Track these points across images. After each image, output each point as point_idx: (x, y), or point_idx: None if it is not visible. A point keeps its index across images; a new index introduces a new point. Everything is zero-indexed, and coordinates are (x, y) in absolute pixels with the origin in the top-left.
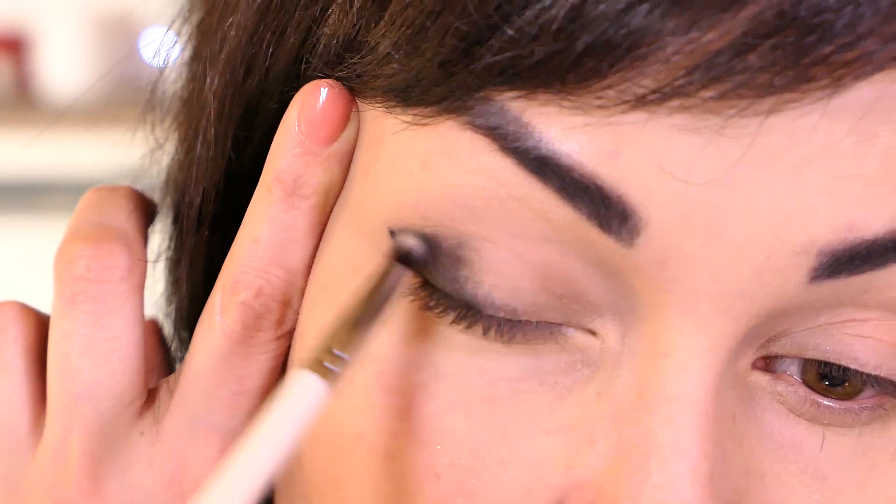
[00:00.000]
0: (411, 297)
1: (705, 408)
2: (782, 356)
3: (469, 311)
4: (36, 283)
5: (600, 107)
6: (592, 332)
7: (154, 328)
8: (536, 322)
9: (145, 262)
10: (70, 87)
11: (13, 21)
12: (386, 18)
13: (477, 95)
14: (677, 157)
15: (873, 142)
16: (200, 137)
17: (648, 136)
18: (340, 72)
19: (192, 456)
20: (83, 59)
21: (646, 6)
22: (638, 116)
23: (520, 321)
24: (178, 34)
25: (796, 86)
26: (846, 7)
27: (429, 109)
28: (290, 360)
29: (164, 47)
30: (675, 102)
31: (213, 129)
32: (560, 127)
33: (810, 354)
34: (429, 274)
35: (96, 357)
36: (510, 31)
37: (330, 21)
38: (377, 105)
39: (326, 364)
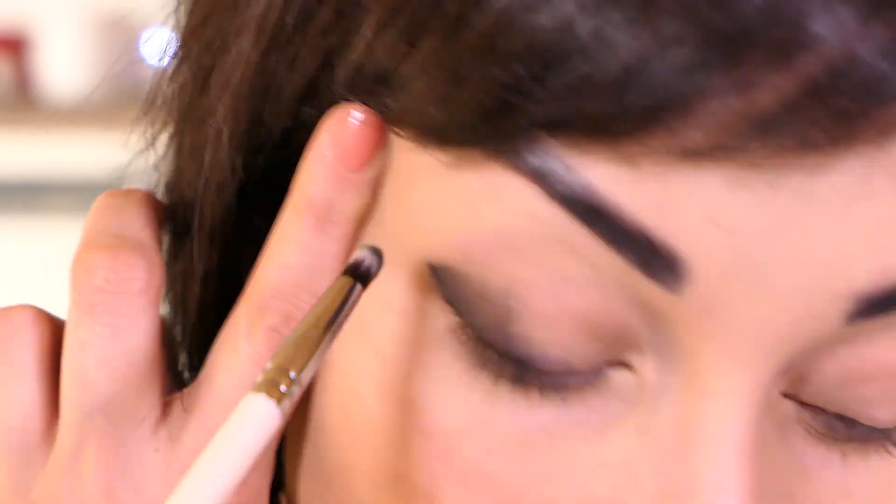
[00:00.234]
0: (456, 334)
1: (746, 444)
2: (805, 403)
3: (519, 369)
4: (36, 283)
5: (649, 158)
6: (629, 367)
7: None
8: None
9: (163, 273)
10: (70, 87)
11: (13, 21)
12: (421, 58)
13: (519, 147)
14: (725, 210)
15: None
16: (208, 155)
17: (697, 189)
18: (368, 102)
19: None
20: (83, 59)
21: (700, 66)
22: (686, 169)
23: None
24: (174, 38)
25: (847, 143)
26: None
27: (468, 151)
28: (315, 387)
29: (165, 47)
30: (724, 156)
31: (224, 149)
32: (608, 175)
33: (831, 409)
34: (470, 316)
35: (113, 370)
36: (559, 84)
37: (354, 50)
38: (408, 139)
39: (280, 386)
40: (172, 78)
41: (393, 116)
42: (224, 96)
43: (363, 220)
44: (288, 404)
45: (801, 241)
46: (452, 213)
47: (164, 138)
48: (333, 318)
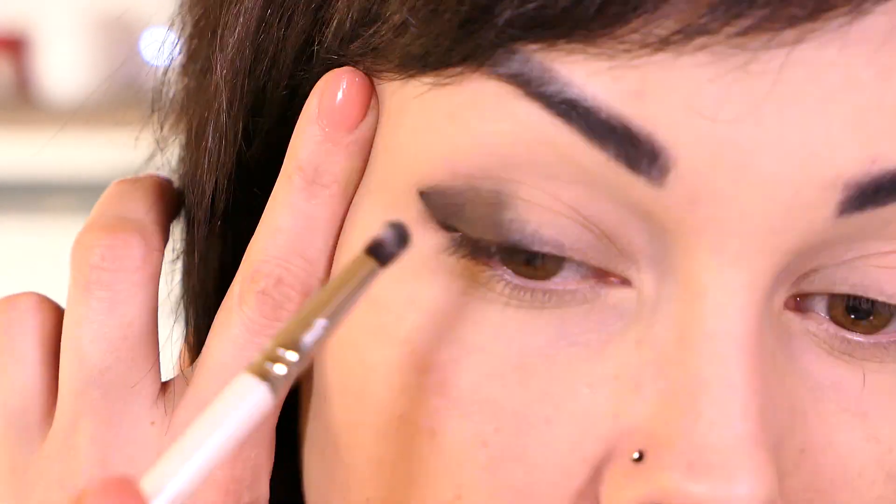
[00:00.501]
0: (449, 252)
1: (749, 343)
2: (812, 293)
3: (506, 252)
4: (36, 283)
5: (625, 51)
6: (628, 282)
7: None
8: (574, 278)
9: (161, 253)
10: (70, 87)
11: (13, 21)
12: None
13: (498, 52)
14: (704, 96)
15: (891, 74)
16: (211, 128)
17: (675, 76)
18: (355, 48)
19: None
20: (83, 59)
21: None
22: (663, 57)
23: (563, 260)
24: (179, 30)
25: (817, 14)
26: None
27: (450, 69)
28: None
29: (166, 46)
30: (700, 41)
31: (223, 118)
32: (584, 71)
33: (838, 289)
34: (466, 226)
35: (108, 344)
36: None
37: None
38: (395, 77)
39: (271, 366)
40: (182, 70)
41: (378, 57)
42: (223, 60)
43: (357, 184)
44: (282, 386)
45: (783, 127)
46: (439, 131)
47: (173, 137)
48: (343, 301)
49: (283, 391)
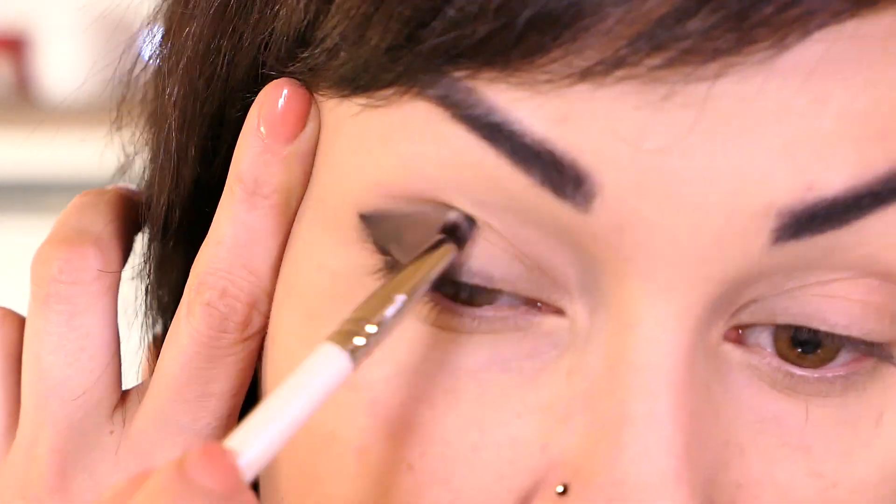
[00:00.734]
0: (381, 275)
1: (676, 377)
2: (753, 324)
3: (449, 308)
4: None
5: (546, 81)
6: (561, 312)
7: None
8: (508, 305)
9: (120, 265)
10: (70, 87)
11: (13, 21)
12: (333, 10)
13: (424, 77)
14: (628, 123)
15: (826, 101)
16: (163, 149)
17: (598, 105)
18: (293, 67)
19: (158, 456)
20: (83, 59)
21: None
22: (585, 87)
23: (494, 292)
24: (153, 40)
25: (739, 48)
26: None
27: (381, 92)
28: (262, 363)
29: (153, 46)
30: (621, 73)
31: (175, 141)
32: (508, 97)
33: (780, 320)
34: (399, 252)
35: (66, 355)
36: (451, 12)
37: (280, 17)
38: (332, 95)
39: (355, 338)
40: (148, 84)
41: (314, 76)
42: (173, 82)
43: (300, 196)
44: (362, 354)
45: (711, 156)
46: (371, 152)
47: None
48: (423, 278)
49: (362, 361)
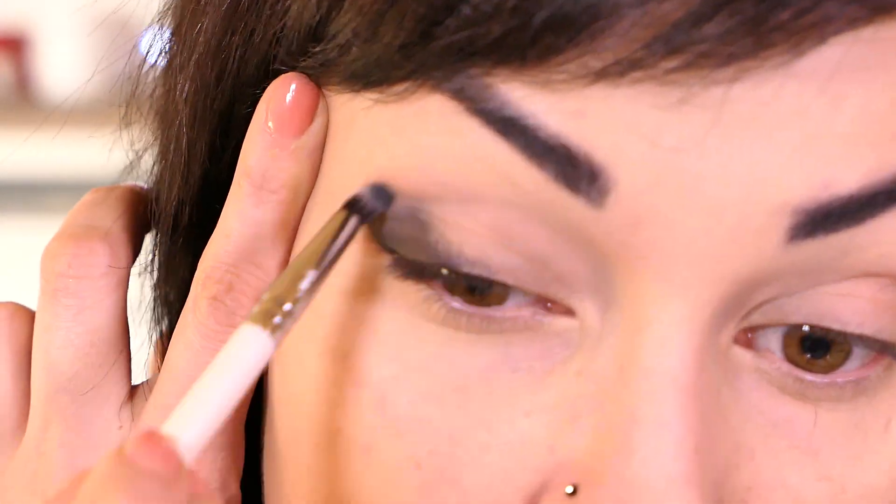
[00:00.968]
0: (389, 272)
1: (687, 380)
2: (764, 325)
3: (448, 278)
4: (36, 283)
5: (562, 81)
6: (571, 312)
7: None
8: (517, 305)
9: (129, 260)
10: (70, 87)
11: (13, 21)
12: (346, 6)
13: (437, 74)
14: (644, 123)
15: (843, 102)
16: (173, 146)
17: (614, 103)
18: (304, 62)
19: None
20: (83, 59)
21: None
22: (600, 87)
23: (501, 289)
24: (162, 37)
25: (755, 53)
26: None
27: (393, 87)
28: None
29: (160, 45)
30: (637, 74)
31: (185, 137)
32: (523, 92)
33: (792, 319)
34: (402, 247)
35: (75, 350)
36: (467, 10)
37: (292, 13)
38: (343, 91)
39: (274, 318)
40: (158, 81)
41: (326, 72)
42: (183, 79)
43: (307, 191)
44: (280, 334)
45: (728, 155)
46: (382, 143)
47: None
48: (326, 250)
49: (282, 339)
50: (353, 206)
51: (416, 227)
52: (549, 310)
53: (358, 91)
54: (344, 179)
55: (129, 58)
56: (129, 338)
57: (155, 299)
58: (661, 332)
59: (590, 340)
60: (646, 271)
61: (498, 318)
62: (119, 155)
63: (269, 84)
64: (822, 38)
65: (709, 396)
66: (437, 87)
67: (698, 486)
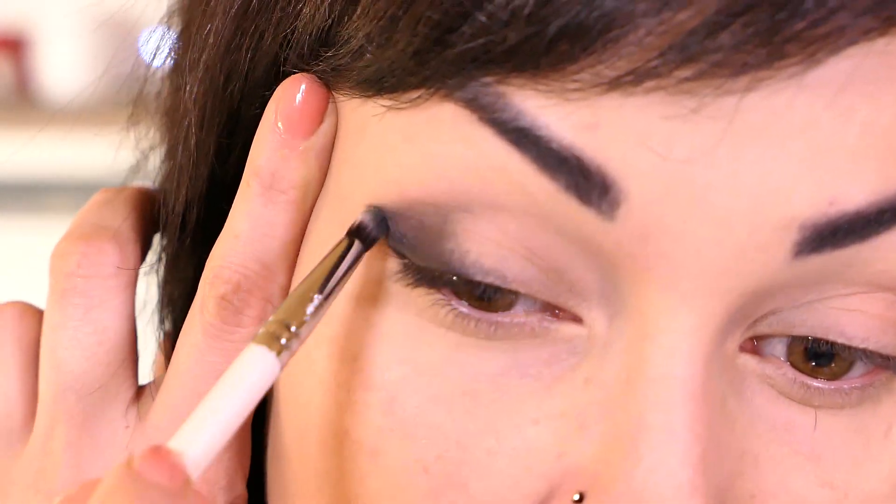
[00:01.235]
0: (398, 278)
1: (694, 389)
2: (769, 335)
3: (457, 284)
4: (36, 283)
5: (575, 89)
6: (579, 320)
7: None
8: (525, 311)
9: (138, 260)
10: (70, 87)
11: (13, 21)
12: (359, 11)
13: (451, 82)
14: (656, 132)
15: (852, 115)
16: (181, 146)
17: (627, 113)
18: (316, 66)
19: None
20: (83, 59)
21: None
22: (614, 97)
23: (511, 296)
24: (169, 38)
25: (770, 63)
26: None
27: (407, 94)
28: None
29: (163, 47)
30: (651, 83)
31: (194, 138)
32: (537, 102)
33: (797, 331)
34: (412, 255)
35: (83, 349)
36: (482, 18)
37: (303, 16)
38: (355, 95)
39: (281, 339)
40: (165, 81)
41: (338, 76)
42: (192, 80)
43: (316, 192)
44: (286, 356)
45: (738, 167)
46: (394, 150)
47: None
48: (329, 276)
49: (287, 360)
50: (357, 233)
51: (430, 235)
52: (556, 316)
53: (370, 97)
54: (355, 185)
55: (133, 58)
56: (136, 338)
57: (161, 299)
58: (668, 341)
59: (597, 348)
60: (654, 282)
61: (506, 323)
62: (123, 155)
63: (278, 85)
64: (835, 49)
65: (715, 404)
66: (451, 95)
67: (704, 494)
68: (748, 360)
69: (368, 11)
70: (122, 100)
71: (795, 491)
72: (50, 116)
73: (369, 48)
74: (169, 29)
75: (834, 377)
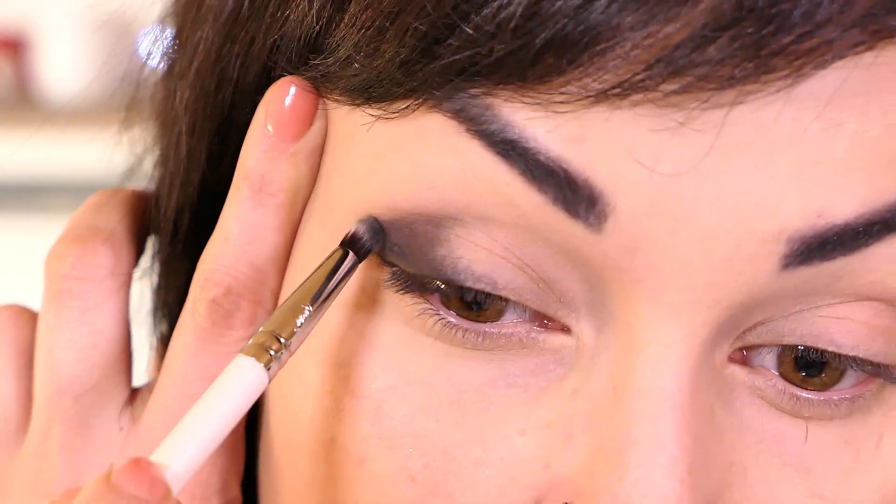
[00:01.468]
0: (387, 285)
1: (681, 400)
2: (758, 346)
3: (446, 292)
4: (36, 283)
5: (562, 101)
6: (567, 330)
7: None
8: (513, 322)
9: (132, 262)
10: (70, 87)
11: (13, 21)
12: (346, 20)
13: (438, 93)
14: (643, 148)
15: (840, 128)
16: (173, 152)
17: (614, 127)
18: (306, 72)
19: None
20: (83, 59)
21: (603, 1)
22: (600, 109)
23: (500, 304)
24: (166, 39)
25: (757, 77)
26: None
27: (395, 104)
28: None
29: (161, 48)
30: (638, 97)
31: (185, 144)
32: (524, 115)
33: (787, 340)
34: (402, 262)
35: (78, 351)
36: (468, 30)
37: (291, 21)
38: (344, 103)
39: (270, 350)
40: (157, 85)
41: (327, 80)
42: (183, 86)
43: (306, 195)
44: (275, 367)
45: (725, 180)
46: (383, 160)
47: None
48: (321, 287)
49: (276, 372)
50: (350, 243)
51: (421, 242)
52: (545, 327)
53: (359, 105)
54: (344, 193)
55: (130, 60)
56: (130, 340)
57: (155, 302)
58: (655, 353)
59: (585, 359)
60: (641, 294)
61: (493, 334)
62: (122, 155)
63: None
64: (823, 63)
65: (703, 416)
66: (438, 105)
67: None
68: (737, 371)
69: (356, 21)
70: (122, 100)
71: (784, 502)
72: (49, 116)
73: (357, 57)
74: (163, 31)
75: (824, 387)
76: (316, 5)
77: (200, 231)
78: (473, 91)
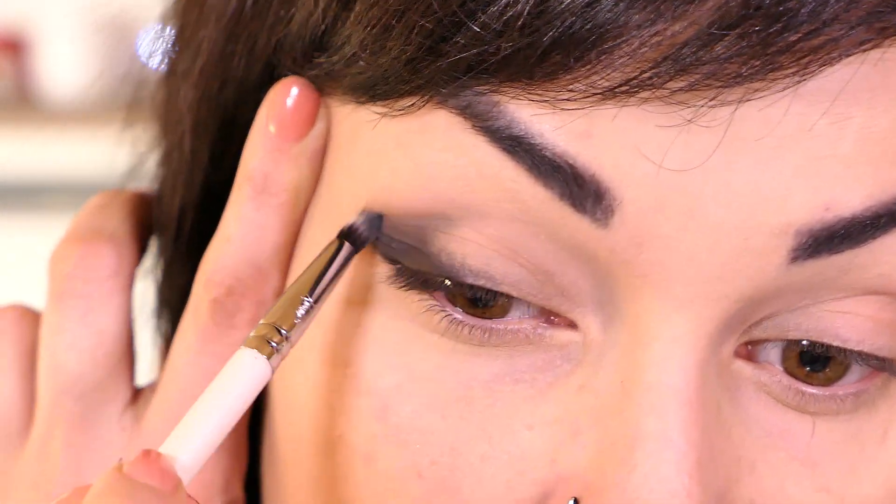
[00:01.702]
0: (392, 283)
1: (689, 395)
2: (763, 340)
3: (450, 289)
4: (36, 283)
5: (569, 99)
6: (574, 326)
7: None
8: (519, 318)
9: (135, 263)
10: (70, 87)
11: (13, 21)
12: (352, 18)
13: (445, 90)
14: (650, 144)
15: (847, 123)
16: (176, 152)
17: (620, 123)
18: (309, 71)
19: None
20: (83, 59)
21: (614, 1)
22: (607, 107)
23: (504, 299)
24: (167, 40)
25: (764, 75)
26: None
27: (400, 101)
28: None
29: (161, 48)
30: (644, 94)
31: (189, 144)
32: (531, 111)
33: (792, 335)
34: (404, 258)
35: (81, 352)
36: (475, 28)
37: (296, 20)
38: (349, 101)
39: (271, 342)
40: (160, 85)
41: (331, 81)
42: (187, 87)
43: (308, 195)
44: (277, 359)
45: (732, 175)
46: (387, 156)
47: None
48: (318, 278)
49: (278, 363)
50: (347, 235)
51: (417, 239)
52: (552, 323)
53: (363, 103)
54: (348, 191)
55: (130, 60)
56: (133, 340)
57: (157, 302)
58: (663, 348)
59: (592, 355)
60: (648, 289)
61: (500, 330)
62: (123, 155)
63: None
64: (829, 61)
65: (710, 410)
66: (444, 103)
67: (700, 501)
68: (743, 367)
69: (362, 18)
70: (122, 100)
71: (792, 496)
72: (49, 117)
73: (362, 55)
74: (164, 32)
75: (828, 382)
76: (322, 3)
77: (203, 231)
78: (479, 88)
